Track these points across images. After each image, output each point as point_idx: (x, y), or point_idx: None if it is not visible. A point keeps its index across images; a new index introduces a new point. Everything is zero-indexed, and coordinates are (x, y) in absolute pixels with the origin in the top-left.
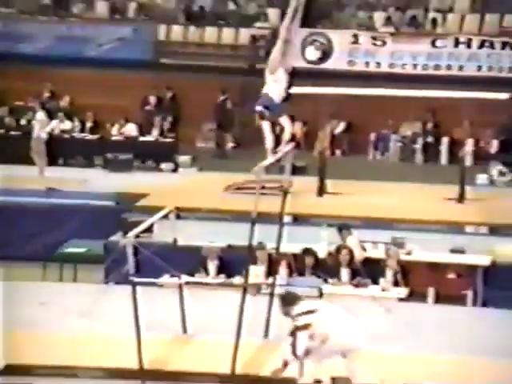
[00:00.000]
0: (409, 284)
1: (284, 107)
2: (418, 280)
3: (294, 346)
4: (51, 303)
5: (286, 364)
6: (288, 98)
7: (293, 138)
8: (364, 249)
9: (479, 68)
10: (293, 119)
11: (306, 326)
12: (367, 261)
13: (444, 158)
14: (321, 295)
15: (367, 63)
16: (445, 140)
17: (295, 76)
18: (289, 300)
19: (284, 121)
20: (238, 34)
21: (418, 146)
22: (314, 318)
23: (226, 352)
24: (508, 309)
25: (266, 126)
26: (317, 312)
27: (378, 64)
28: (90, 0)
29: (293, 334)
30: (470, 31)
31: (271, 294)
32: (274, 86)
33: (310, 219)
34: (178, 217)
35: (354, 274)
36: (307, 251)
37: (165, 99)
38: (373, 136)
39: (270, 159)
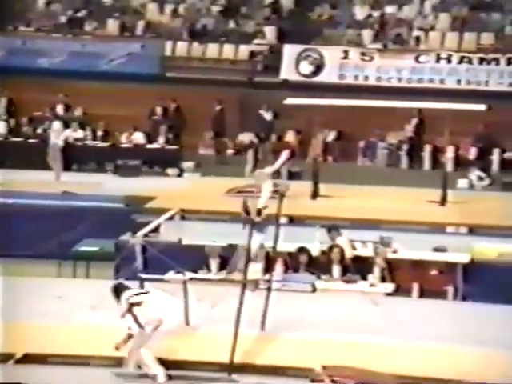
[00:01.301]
0: (395, 280)
1: None
2: (403, 276)
3: (136, 320)
4: (66, 298)
5: (130, 336)
6: None
7: (288, 147)
8: (354, 247)
9: (459, 81)
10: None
11: (139, 303)
12: (357, 258)
13: (427, 163)
14: (314, 290)
15: (356, 77)
16: (428, 147)
17: (290, 88)
18: (120, 289)
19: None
20: (237, 50)
21: (403, 152)
22: (145, 298)
23: (226, 343)
24: (485, 303)
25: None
26: (148, 294)
27: (366, 77)
28: (101, 19)
29: (129, 310)
30: (450, 48)
31: (268, 290)
32: None
33: (304, 220)
34: (183, 218)
35: (345, 271)
36: (302, 250)
37: (170, 110)
38: (362, 144)
39: (271, 168)
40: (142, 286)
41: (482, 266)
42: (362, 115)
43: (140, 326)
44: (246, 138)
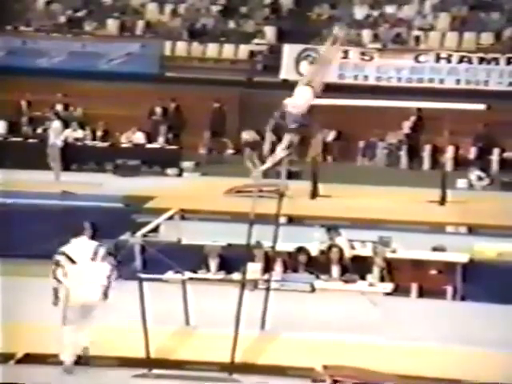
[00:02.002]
0: (394, 279)
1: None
2: (403, 276)
3: (54, 274)
4: None
5: (56, 291)
6: None
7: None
8: (353, 247)
9: (458, 81)
10: None
11: (62, 266)
12: (356, 258)
13: (427, 163)
14: (313, 290)
15: (356, 76)
16: (427, 147)
17: (290, 88)
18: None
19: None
20: (237, 50)
21: (403, 152)
22: (68, 266)
23: (226, 342)
24: (484, 302)
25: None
26: (74, 264)
27: (366, 77)
28: (101, 18)
29: (56, 264)
30: (449, 48)
31: (267, 289)
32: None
33: (303, 220)
34: (182, 218)
35: (344, 271)
36: (301, 249)
37: (170, 110)
38: (361, 143)
39: (268, 164)
40: (141, 286)
41: (482, 266)
42: (361, 115)
43: (58, 280)
44: (249, 135)
